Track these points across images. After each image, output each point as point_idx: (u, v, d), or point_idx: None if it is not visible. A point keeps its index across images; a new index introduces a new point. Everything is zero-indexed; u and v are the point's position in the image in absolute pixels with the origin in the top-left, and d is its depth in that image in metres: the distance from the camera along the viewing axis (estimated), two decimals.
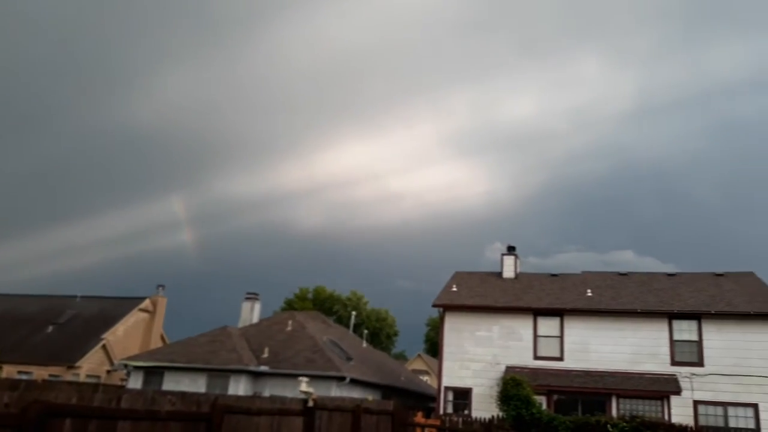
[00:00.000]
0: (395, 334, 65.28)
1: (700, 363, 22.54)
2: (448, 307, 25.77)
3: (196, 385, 24.83)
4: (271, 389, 24.30)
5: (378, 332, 58.64)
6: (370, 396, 26.75)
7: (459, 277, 28.48)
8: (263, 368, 25.63)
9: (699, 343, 22.79)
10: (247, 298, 34.08)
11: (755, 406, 21.38)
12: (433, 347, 35.56)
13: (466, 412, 23.76)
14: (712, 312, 22.88)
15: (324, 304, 57.23)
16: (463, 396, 24.37)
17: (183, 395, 15.52)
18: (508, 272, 28.53)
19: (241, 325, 32.32)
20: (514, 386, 19.76)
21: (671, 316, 23.29)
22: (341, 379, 24.92)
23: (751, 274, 26.05)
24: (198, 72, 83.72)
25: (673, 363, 22.81)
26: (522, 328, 24.77)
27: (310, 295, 59.81)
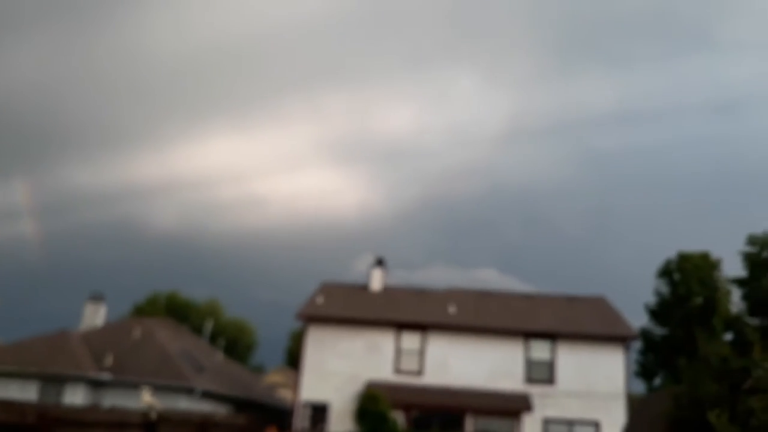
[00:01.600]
0: (255, 346, 64.13)
1: (551, 382, 24.05)
2: (312, 318, 25.68)
3: (26, 392, 22.90)
4: (113, 399, 22.90)
5: (236, 343, 57.25)
6: (222, 409, 26.00)
7: (325, 289, 28.48)
8: (104, 376, 24.15)
9: (551, 363, 24.32)
10: (91, 300, 31.90)
11: (597, 423, 23.12)
12: (295, 360, 35.24)
13: (323, 427, 23.71)
14: (566, 333, 24.54)
15: (178, 312, 54.98)
16: (321, 411, 24.28)
17: (5, 403, 14.20)
18: (375, 285, 28.93)
19: (83, 329, 30.23)
20: (370, 402, 19.97)
21: (527, 336, 24.70)
22: (191, 390, 24.09)
23: (601, 299, 28.20)
24: (54, 46, 77.98)
25: (527, 381, 24.16)
26: (385, 342, 25.17)
27: (162, 301, 57.26)
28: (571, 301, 28.19)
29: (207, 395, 25.09)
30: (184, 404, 23.48)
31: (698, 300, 39.62)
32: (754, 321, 39.27)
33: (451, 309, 26.43)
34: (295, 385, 27.47)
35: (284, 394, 41.98)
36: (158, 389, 24.26)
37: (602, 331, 24.78)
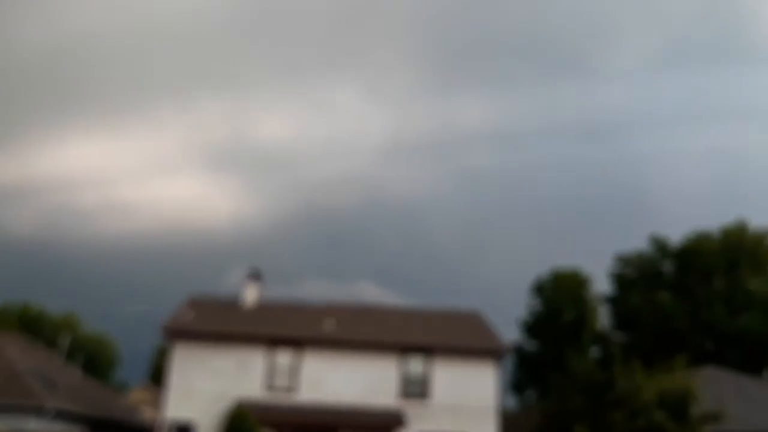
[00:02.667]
0: (117, 362, 61.06)
1: (425, 397, 24.32)
2: (179, 333, 24.56)
3: None
4: None
5: (96, 359, 54.07)
6: (76, 430, 24.51)
7: (193, 302, 27.35)
8: None
9: (426, 378, 24.61)
10: None
11: None
12: (161, 377, 33.49)
13: None
14: (440, 348, 24.96)
15: (31, 325, 51.12)
16: (186, 431, 23.21)
17: None
18: (249, 299, 28.14)
19: None
20: (239, 421, 19.35)
21: (403, 351, 24.88)
22: (41, 410, 22.46)
23: (476, 314, 28.95)
24: None
25: (402, 396, 24.29)
26: (258, 358, 24.49)
27: (14, 314, 53.04)
28: (447, 315, 28.73)
29: (60, 415, 23.51)
30: (33, 425, 22.03)
31: (569, 316, 41.69)
32: (619, 337, 41.96)
33: (328, 324, 26.17)
34: (159, 404, 26.11)
35: (149, 413, 39.98)
36: (4, 409, 22.39)
37: (476, 345, 25.40)
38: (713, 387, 23.61)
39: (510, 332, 43.77)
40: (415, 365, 24.78)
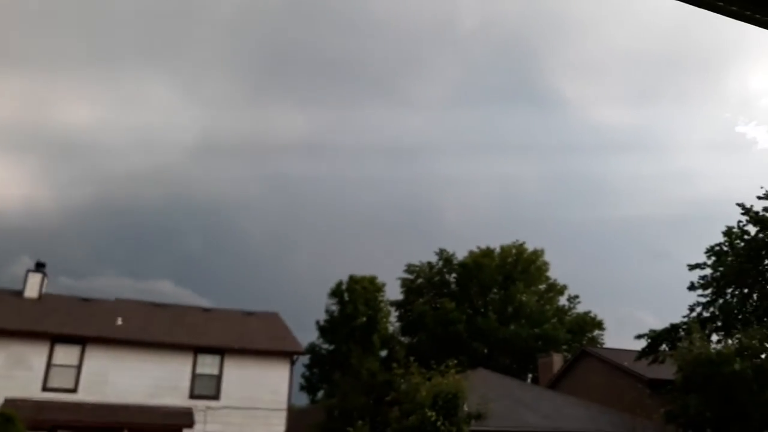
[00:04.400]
0: None
1: (216, 397, 23.90)
2: None
3: None
4: None
5: None
6: None
7: None
8: None
9: (219, 378, 24.21)
10: None
11: None
12: None
13: None
14: (235, 348, 24.72)
15: None
16: None
17: None
18: (32, 292, 25.74)
19: None
20: (4, 423, 17.65)
21: (197, 350, 24.26)
22: None
23: (275, 315, 29.07)
24: None
25: (192, 396, 23.63)
26: (36, 356, 22.47)
27: None
28: (247, 316, 28.52)
29: None
30: None
31: (362, 319, 43.27)
32: (406, 339, 44.43)
33: (118, 321, 24.76)
34: None
35: None
36: None
37: (271, 346, 25.50)
38: (483, 387, 25.86)
39: (312, 334, 44.42)
40: (209, 365, 24.29)
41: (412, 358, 20.22)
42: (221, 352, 24.47)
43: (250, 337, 26.07)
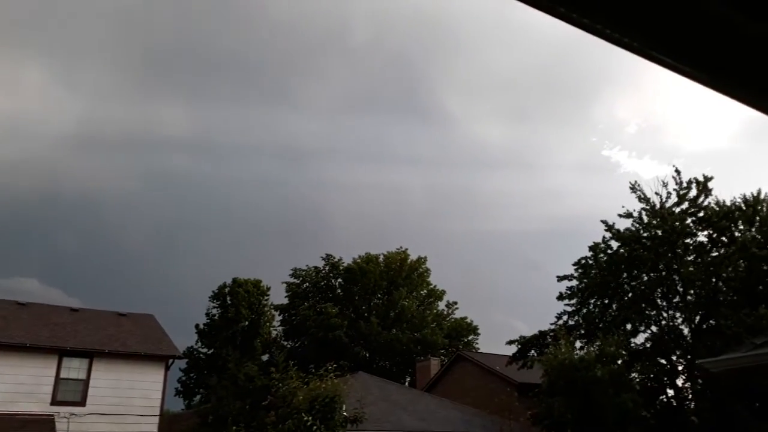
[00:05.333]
0: None
1: (82, 402, 22.36)
2: None
3: None
4: None
5: None
6: None
7: None
8: None
9: (86, 382, 22.68)
10: None
11: None
12: None
13: None
14: (106, 351, 23.27)
15: None
16: None
17: None
18: None
19: None
20: None
21: (62, 353, 22.63)
22: None
23: (150, 317, 27.72)
24: None
25: (55, 402, 21.98)
26: None
27: None
28: (120, 317, 27.01)
29: None
30: None
31: (245, 323, 42.35)
32: (288, 344, 43.89)
33: None
34: None
35: None
36: None
37: (144, 349, 24.24)
38: (362, 391, 25.90)
39: (193, 337, 42.86)
40: (76, 369, 22.72)
41: (291, 362, 19.90)
42: (89, 355, 22.96)
43: (122, 339, 24.66)
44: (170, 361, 24.77)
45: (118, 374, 23.28)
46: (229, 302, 42.42)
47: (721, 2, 0.97)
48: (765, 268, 22.15)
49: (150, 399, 23.44)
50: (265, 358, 39.91)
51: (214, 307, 42.45)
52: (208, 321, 42.39)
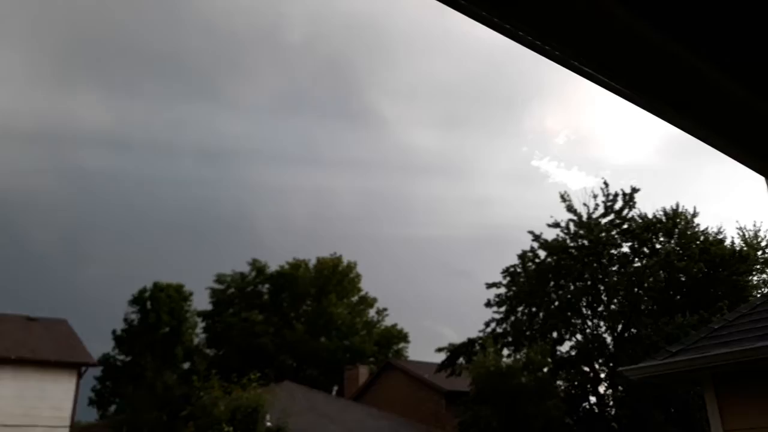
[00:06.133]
0: None
1: None
2: None
3: None
4: None
5: None
6: None
7: None
8: None
9: None
10: None
11: None
12: None
13: None
14: (12, 357, 22.13)
15: None
16: None
17: None
18: None
19: None
20: None
21: None
22: None
23: (63, 322, 26.55)
24: None
25: None
26: None
27: None
28: (29, 322, 25.75)
29: None
30: None
31: (165, 329, 41.23)
32: (212, 352, 42.96)
33: None
34: None
35: None
36: None
37: (55, 357, 23.21)
38: (287, 401, 25.59)
39: (109, 343, 41.36)
40: None
41: (214, 371, 19.47)
42: None
43: (31, 345, 23.51)
44: (83, 368, 23.82)
45: (25, 383, 22.21)
46: (149, 307, 41.19)
47: (630, 15, 0.98)
48: (683, 279, 23.27)
49: (60, 409, 22.47)
50: (186, 366, 38.92)
51: (133, 312, 41.11)
52: (127, 327, 41.01)
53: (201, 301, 44.36)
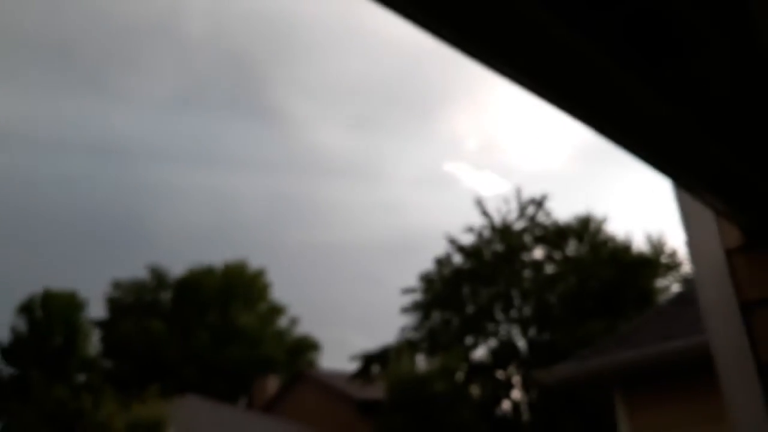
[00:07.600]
0: None
1: None
2: None
3: None
4: None
5: None
6: None
7: None
8: None
9: None
10: None
11: None
12: None
13: None
14: None
15: None
16: None
17: None
18: None
19: None
20: None
21: None
22: None
23: None
24: None
25: None
26: None
27: None
28: None
29: None
30: None
31: (58, 340, 39.42)
32: (109, 363, 41.30)
33: None
34: None
35: None
36: None
37: None
38: (190, 416, 24.93)
39: None
40: None
41: (110, 384, 18.73)
42: None
43: None
44: None
45: None
46: (39, 316, 39.23)
47: (542, 8, 0.99)
48: (594, 284, 24.32)
49: None
50: (82, 379, 37.28)
51: (21, 322, 39.04)
52: (13, 338, 38.87)
53: (97, 310, 42.58)
